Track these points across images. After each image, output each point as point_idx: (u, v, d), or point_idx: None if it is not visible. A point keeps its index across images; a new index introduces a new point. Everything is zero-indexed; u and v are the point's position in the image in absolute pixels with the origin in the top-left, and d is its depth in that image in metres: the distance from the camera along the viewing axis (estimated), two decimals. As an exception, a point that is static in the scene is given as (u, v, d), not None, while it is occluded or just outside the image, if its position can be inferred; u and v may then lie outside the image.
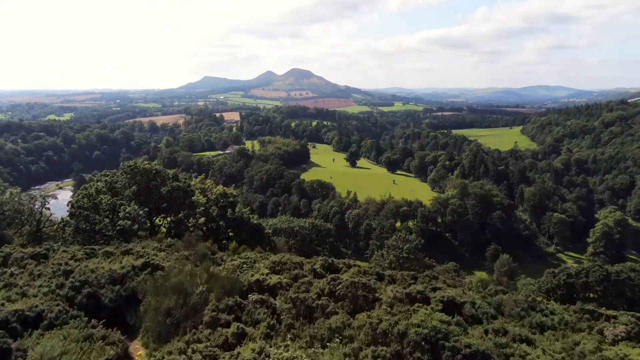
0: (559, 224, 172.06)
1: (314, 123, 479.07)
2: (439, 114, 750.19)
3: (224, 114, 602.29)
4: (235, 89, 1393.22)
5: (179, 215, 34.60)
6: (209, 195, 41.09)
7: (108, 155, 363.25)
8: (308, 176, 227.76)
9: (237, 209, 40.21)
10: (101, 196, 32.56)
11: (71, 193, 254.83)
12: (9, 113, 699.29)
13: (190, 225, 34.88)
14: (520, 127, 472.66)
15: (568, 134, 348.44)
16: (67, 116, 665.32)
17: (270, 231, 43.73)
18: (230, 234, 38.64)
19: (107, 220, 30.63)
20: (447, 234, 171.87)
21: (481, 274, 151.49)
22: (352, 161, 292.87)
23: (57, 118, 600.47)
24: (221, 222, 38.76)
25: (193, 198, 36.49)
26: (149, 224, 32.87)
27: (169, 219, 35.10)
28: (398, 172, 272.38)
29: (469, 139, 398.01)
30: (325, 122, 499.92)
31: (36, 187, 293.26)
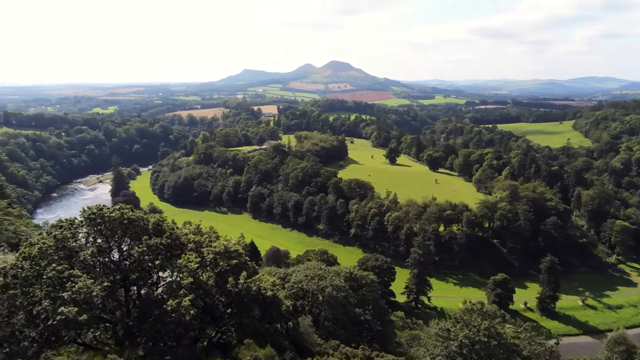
0: (621, 232, 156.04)
1: (352, 117, 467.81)
2: (482, 107, 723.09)
3: (262, 107, 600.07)
4: (273, 81, 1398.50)
5: (155, 294, 24.92)
6: (205, 254, 29.54)
7: (147, 149, 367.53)
8: (345, 174, 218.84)
9: (242, 276, 29.10)
10: (46, 261, 23.39)
11: (110, 187, 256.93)
12: (57, 106, 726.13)
13: (169, 308, 24.10)
14: (572, 122, 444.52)
15: (627, 130, 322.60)
16: (111, 109, 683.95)
17: (290, 303, 32.92)
18: (230, 310, 28.08)
19: (47, 302, 22.11)
20: (494, 240, 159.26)
21: (533, 286, 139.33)
22: (392, 158, 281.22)
23: (101, 111, 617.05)
24: (220, 297, 28.25)
25: (180, 261, 26.25)
26: (105, 311, 23.84)
27: (143, 290, 24.97)
28: (440, 170, 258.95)
29: (516, 134, 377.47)
30: (363, 116, 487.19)
31: (78, 180, 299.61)
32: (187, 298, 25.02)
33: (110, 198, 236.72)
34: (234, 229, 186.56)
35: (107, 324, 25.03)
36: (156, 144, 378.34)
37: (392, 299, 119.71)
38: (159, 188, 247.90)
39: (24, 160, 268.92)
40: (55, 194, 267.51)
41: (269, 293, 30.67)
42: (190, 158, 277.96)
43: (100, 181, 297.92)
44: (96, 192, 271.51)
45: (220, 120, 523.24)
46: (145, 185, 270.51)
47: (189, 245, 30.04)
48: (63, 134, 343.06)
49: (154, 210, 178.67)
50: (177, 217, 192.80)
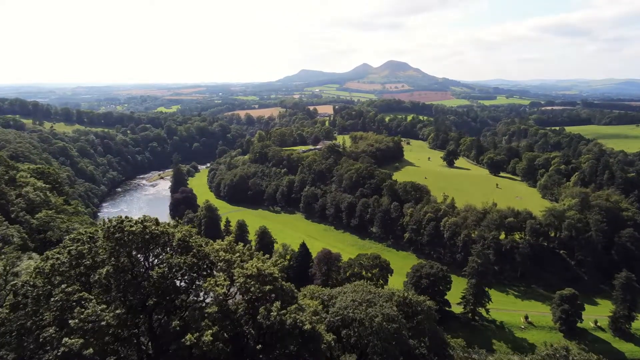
0: None
1: (409, 118, 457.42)
2: (549, 108, 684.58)
3: (318, 107, 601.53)
4: (330, 81, 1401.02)
5: (173, 324, 21.20)
6: (236, 277, 25.51)
7: (206, 147, 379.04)
8: (401, 176, 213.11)
9: (275, 307, 24.68)
10: (59, 279, 21.37)
11: (170, 183, 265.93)
12: (125, 105, 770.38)
13: (188, 343, 20.65)
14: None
15: None
16: (174, 108, 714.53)
17: (331, 338, 28.47)
18: (261, 346, 23.98)
19: (52, 329, 19.61)
20: (561, 252, 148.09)
21: (605, 303, 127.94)
22: (450, 160, 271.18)
23: (165, 110, 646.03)
24: (250, 329, 24.35)
25: (205, 284, 23.16)
26: (118, 340, 20.66)
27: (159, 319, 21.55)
28: (501, 174, 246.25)
29: (586, 138, 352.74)
30: (420, 117, 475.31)
31: (141, 176, 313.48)
32: (208, 332, 21.67)
33: (169, 194, 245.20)
34: (286, 228, 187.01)
35: (128, 351, 22.81)
36: (215, 142, 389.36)
37: (447, 308, 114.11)
38: (216, 186, 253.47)
39: (93, 156, 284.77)
40: (119, 189, 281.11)
41: (307, 326, 26.36)
42: (246, 157, 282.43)
43: (162, 177, 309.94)
44: (157, 188, 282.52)
45: (276, 119, 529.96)
46: (202, 182, 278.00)
47: (219, 264, 26.70)
48: (129, 131, 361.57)
49: (209, 207, 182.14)
50: (232, 215, 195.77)
